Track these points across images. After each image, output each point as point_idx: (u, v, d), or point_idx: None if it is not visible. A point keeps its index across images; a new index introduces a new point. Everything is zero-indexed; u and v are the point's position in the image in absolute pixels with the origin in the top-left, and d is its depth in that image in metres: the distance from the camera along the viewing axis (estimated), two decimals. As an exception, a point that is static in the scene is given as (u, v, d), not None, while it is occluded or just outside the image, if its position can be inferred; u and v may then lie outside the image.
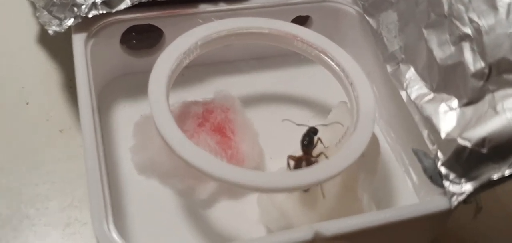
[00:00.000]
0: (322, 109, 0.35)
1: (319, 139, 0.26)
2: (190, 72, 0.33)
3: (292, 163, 0.26)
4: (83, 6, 0.30)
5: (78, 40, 0.29)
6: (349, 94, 0.29)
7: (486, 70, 0.25)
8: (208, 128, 0.30)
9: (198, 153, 0.23)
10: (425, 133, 0.27)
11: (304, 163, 0.25)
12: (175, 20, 0.32)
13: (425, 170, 0.27)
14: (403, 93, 0.29)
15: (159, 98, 0.25)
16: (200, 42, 0.29)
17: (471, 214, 0.25)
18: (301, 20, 0.35)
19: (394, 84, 0.30)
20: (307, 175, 0.24)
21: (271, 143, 0.31)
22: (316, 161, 0.25)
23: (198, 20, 0.32)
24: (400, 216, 0.24)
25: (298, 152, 0.26)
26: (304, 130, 0.26)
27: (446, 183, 0.25)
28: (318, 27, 0.35)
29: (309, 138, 0.26)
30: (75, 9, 0.30)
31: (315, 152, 0.26)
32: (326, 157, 0.25)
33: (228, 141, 0.31)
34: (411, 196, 0.30)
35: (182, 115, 0.30)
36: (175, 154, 0.23)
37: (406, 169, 0.31)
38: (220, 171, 0.23)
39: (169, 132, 0.24)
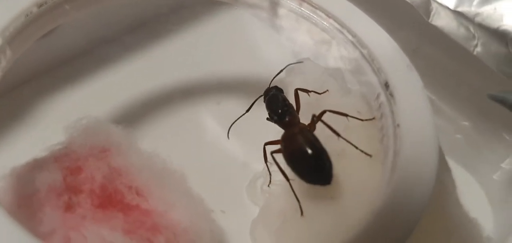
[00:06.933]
0: (263, 74, 0.22)
1: (296, 93, 0.18)
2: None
3: (275, 152, 0.17)
4: None
5: None
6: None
7: None
8: (88, 206, 0.16)
9: None
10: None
11: (300, 137, 0.16)
12: None
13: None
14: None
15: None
16: (8, 33, 0.17)
17: None
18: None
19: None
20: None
21: (214, 178, 0.19)
22: (314, 123, 0.17)
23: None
24: None
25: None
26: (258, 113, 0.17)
27: None
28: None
29: (280, 101, 0.17)
30: None
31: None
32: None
33: (142, 216, 0.16)
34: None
35: (26, 202, 0.16)
36: None
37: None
38: None
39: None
